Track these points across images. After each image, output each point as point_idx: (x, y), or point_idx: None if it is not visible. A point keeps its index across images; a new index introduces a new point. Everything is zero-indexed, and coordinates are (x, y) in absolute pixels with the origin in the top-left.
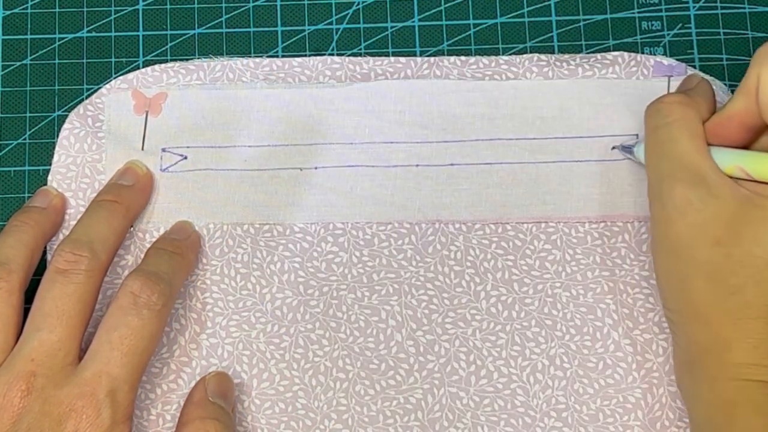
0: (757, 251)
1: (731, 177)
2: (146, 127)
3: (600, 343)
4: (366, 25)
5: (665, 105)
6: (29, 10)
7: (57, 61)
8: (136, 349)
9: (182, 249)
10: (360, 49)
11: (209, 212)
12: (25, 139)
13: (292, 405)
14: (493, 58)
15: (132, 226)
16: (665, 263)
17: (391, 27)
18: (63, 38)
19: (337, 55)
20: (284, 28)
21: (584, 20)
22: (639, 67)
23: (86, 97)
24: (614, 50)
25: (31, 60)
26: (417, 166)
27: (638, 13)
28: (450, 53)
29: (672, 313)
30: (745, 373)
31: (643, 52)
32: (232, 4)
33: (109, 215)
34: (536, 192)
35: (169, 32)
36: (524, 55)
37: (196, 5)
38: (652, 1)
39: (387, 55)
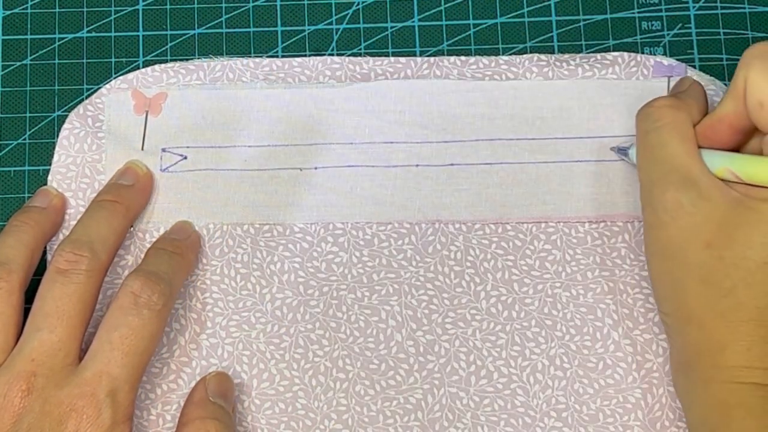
0: (748, 253)
1: (722, 179)
2: (146, 127)
3: (600, 343)
4: (366, 25)
5: (655, 109)
6: (29, 10)
7: (57, 61)
8: (137, 349)
9: (182, 249)
10: (360, 49)
11: (209, 212)
12: (25, 139)
13: (292, 405)
14: (493, 58)
15: (132, 226)
16: (658, 267)
17: (391, 27)
18: (63, 38)
19: (337, 55)
20: (284, 28)
21: (584, 20)
22: (639, 67)
23: (86, 97)
24: (614, 50)
25: (31, 60)
26: (417, 166)
27: (638, 13)
28: (450, 53)
29: (666, 316)
30: (738, 375)
31: (643, 52)
32: (232, 4)
33: (109, 215)
34: (536, 192)
35: (169, 32)
36: (524, 55)
37: (196, 5)
38: (652, 1)
39: (387, 55)
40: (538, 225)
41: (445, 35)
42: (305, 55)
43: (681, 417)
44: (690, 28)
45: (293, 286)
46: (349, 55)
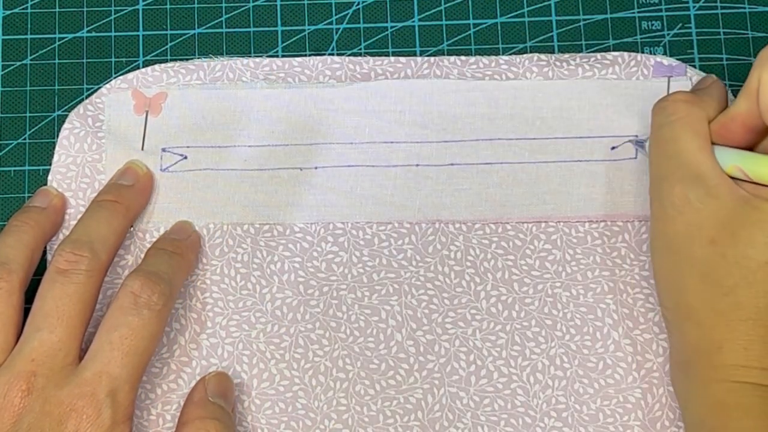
0: (751, 253)
1: (732, 177)
2: (146, 127)
3: (600, 343)
4: (366, 25)
5: (671, 103)
6: (29, 10)
7: (57, 61)
8: (137, 349)
9: (182, 249)
10: (360, 49)
11: (209, 212)
12: (25, 139)
13: (292, 405)
14: (493, 58)
15: (132, 226)
16: (662, 261)
17: (391, 27)
18: (63, 38)
19: (337, 55)
20: (284, 28)
21: (584, 20)
22: (639, 67)
23: (86, 97)
24: (614, 50)
25: (31, 60)
26: (417, 166)
27: (638, 13)
28: (450, 53)
29: (668, 311)
30: (735, 374)
31: (643, 52)
32: (232, 4)
33: (110, 215)
34: (536, 192)
35: (169, 32)
36: (524, 55)
37: (196, 5)
38: (652, 1)
39: (387, 55)
40: (538, 225)
41: (445, 35)
42: (305, 55)
43: (681, 417)
44: (690, 28)
45: (293, 286)
46: (349, 55)
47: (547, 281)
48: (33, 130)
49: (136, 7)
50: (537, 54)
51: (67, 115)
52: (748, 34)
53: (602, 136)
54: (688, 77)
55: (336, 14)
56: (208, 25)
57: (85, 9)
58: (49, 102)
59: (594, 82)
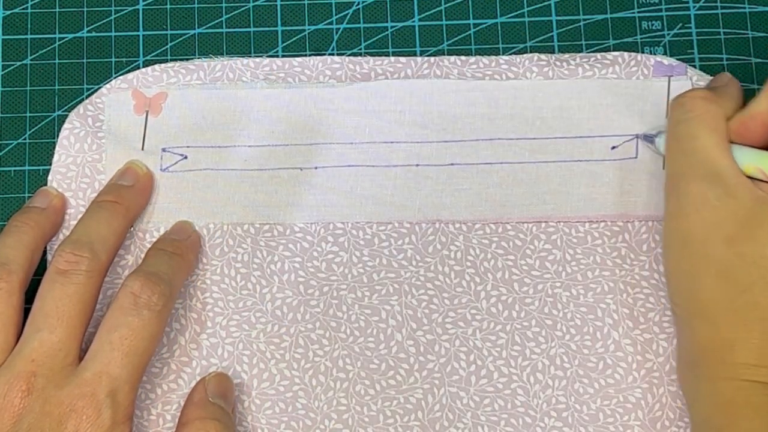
0: None
1: (750, 177)
2: (146, 127)
3: (600, 343)
4: (366, 25)
5: (689, 99)
6: (29, 10)
7: (57, 61)
8: (137, 350)
9: (182, 249)
10: (360, 49)
11: (209, 212)
12: (25, 139)
13: (292, 405)
14: (493, 57)
15: (132, 226)
16: (676, 257)
17: (391, 27)
18: (63, 38)
19: (337, 55)
20: (284, 28)
21: (584, 20)
22: (639, 66)
23: (86, 97)
24: (614, 50)
25: (31, 60)
26: (417, 166)
27: (638, 13)
28: (450, 53)
29: (678, 308)
30: (746, 373)
31: (643, 52)
32: (232, 4)
33: (110, 216)
34: (536, 192)
35: (169, 32)
36: (524, 55)
37: (196, 5)
38: (652, 1)
39: (387, 55)
40: (539, 225)
41: (445, 35)
42: (305, 55)
43: (681, 417)
44: (690, 28)
45: (293, 286)
46: (349, 55)
47: (547, 281)
48: (33, 130)
49: (136, 7)
50: (537, 54)
51: (67, 115)
52: (748, 34)
53: (602, 136)
54: (689, 77)
55: (336, 14)
56: (208, 25)
57: (85, 9)
58: (49, 102)
59: (594, 82)
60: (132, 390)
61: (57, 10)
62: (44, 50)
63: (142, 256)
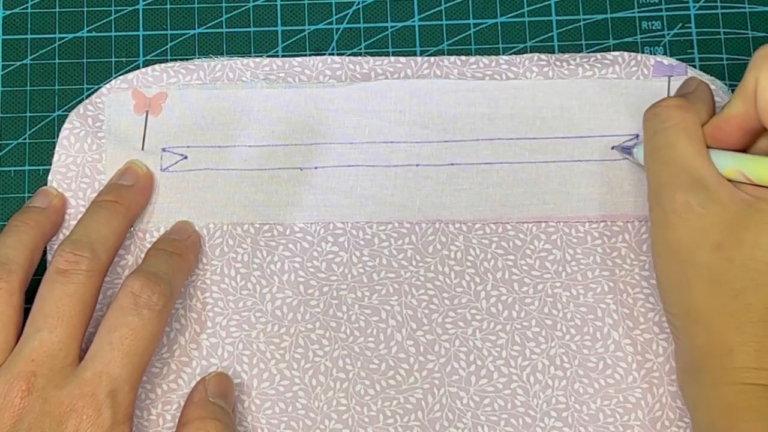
0: (757, 255)
1: (731, 180)
2: (146, 127)
3: (600, 343)
4: (366, 25)
5: (663, 109)
6: (29, 10)
7: (57, 61)
8: (137, 350)
9: (182, 249)
10: (360, 49)
11: (209, 212)
12: (25, 139)
13: (292, 405)
14: (493, 57)
15: (132, 226)
16: (666, 267)
17: (391, 27)
18: (63, 38)
19: (337, 54)
20: (284, 28)
21: (584, 20)
22: (639, 66)
23: (86, 97)
24: (614, 50)
25: (31, 60)
26: (417, 166)
27: (638, 12)
28: (450, 53)
29: (674, 316)
30: (746, 377)
31: (643, 52)
32: (232, 4)
33: (110, 216)
34: (536, 192)
35: (169, 32)
36: (524, 55)
37: (196, 5)
38: (652, 1)
39: (387, 55)
40: (539, 225)
41: (445, 35)
42: (305, 55)
43: (681, 417)
44: (690, 27)
45: (293, 286)
46: (349, 55)
47: (547, 281)
48: (33, 130)
49: (136, 7)
50: (537, 54)
51: (67, 115)
52: (748, 34)
53: (602, 136)
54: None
55: (336, 14)
56: (208, 25)
57: (85, 9)
58: (49, 102)
59: (594, 82)
60: (132, 390)
61: (57, 10)
62: (44, 50)
63: (142, 256)
